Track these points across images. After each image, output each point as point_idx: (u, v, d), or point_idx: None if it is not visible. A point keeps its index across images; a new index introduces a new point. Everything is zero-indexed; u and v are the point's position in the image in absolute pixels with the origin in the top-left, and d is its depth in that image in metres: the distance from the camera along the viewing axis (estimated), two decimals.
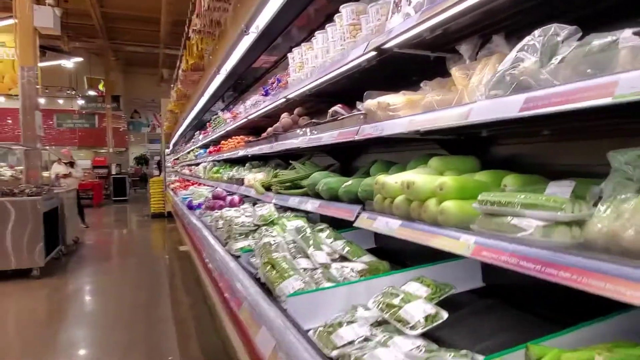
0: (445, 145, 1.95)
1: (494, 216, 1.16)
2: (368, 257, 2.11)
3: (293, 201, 2.61)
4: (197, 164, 8.59)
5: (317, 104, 3.08)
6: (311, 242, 2.18)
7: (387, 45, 1.67)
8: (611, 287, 0.78)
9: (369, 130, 1.70)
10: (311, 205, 2.31)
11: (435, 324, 1.35)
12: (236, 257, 2.65)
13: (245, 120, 4.16)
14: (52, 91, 18.87)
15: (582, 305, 1.23)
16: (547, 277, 0.90)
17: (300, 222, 2.71)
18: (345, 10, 2.08)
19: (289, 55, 2.83)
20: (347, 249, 2.17)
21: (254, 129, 4.84)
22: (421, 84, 1.72)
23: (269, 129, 3.35)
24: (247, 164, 4.75)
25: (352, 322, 1.42)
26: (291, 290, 1.77)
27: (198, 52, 4.79)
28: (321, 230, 2.41)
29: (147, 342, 3.78)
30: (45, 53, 13.62)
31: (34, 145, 6.58)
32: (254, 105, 3.95)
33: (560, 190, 1.16)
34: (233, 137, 5.38)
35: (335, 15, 2.18)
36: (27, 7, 6.40)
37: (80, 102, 19.89)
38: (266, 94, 3.64)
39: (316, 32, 2.39)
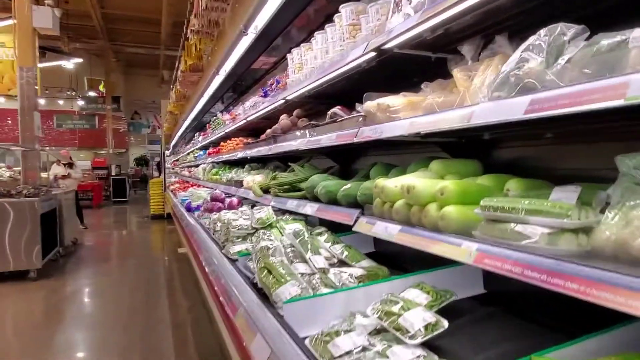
0: (446, 148, 1.91)
1: (497, 222, 1.12)
2: (367, 262, 2.07)
3: (291, 204, 2.57)
4: (197, 166, 8.56)
5: (316, 105, 3.04)
6: (309, 246, 2.13)
7: (387, 46, 1.63)
8: (622, 300, 0.74)
9: (369, 133, 1.66)
10: (309, 208, 2.27)
11: (435, 333, 1.31)
12: (233, 261, 2.61)
13: (244, 121, 4.13)
14: (52, 92, 18.87)
15: (585, 314, 1.19)
16: (553, 288, 0.86)
17: (299, 226, 2.67)
18: (344, 10, 2.05)
19: (288, 56, 2.79)
20: (345, 253, 2.13)
21: (253, 130, 4.80)
22: (422, 86, 1.68)
23: (268, 131, 3.31)
24: (246, 166, 4.70)
25: (349, 330, 1.38)
26: (288, 296, 1.72)
27: (196, 52, 4.76)
28: (320, 234, 2.37)
29: (145, 345, 3.74)
30: (45, 54, 13.61)
31: (33, 146, 6.55)
32: (252, 107, 3.91)
33: (565, 195, 1.12)
34: (232, 139, 5.34)
35: (335, 16, 2.14)
36: (26, 7, 6.37)
37: (81, 103, 19.89)
38: (265, 95, 3.60)
39: (315, 33, 2.35)
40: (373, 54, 1.73)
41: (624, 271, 0.78)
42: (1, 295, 5.31)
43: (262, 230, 2.77)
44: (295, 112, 3.11)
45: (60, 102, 19.67)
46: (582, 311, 1.17)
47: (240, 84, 5.29)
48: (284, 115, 3.19)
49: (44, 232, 5.99)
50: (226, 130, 5.22)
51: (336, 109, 2.24)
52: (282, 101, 2.90)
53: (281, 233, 2.66)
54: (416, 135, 1.45)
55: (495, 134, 1.65)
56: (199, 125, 9.48)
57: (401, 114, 1.57)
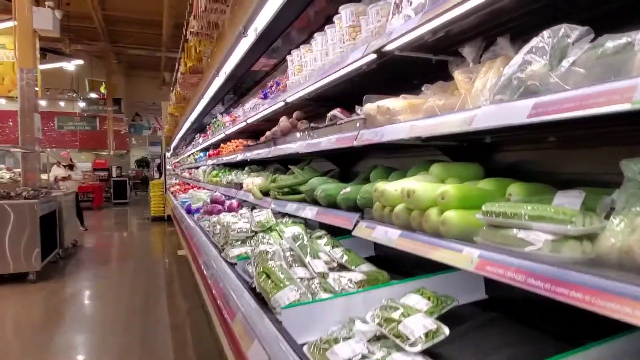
0: (447, 151, 1.89)
1: (499, 228, 1.10)
2: (367, 266, 2.05)
3: (291, 207, 2.55)
4: (197, 167, 8.55)
5: (316, 107, 3.02)
6: (308, 250, 2.11)
7: (387, 48, 1.61)
8: (629, 311, 0.71)
9: (368, 136, 1.64)
10: (309, 212, 2.25)
11: (436, 340, 1.29)
12: (232, 265, 2.58)
13: (244, 124, 4.11)
14: (54, 93, 18.89)
15: (589, 320, 1.16)
16: (557, 297, 0.83)
17: (298, 229, 2.65)
18: (344, 11, 2.03)
19: (287, 58, 2.77)
20: (345, 257, 2.10)
21: (254, 132, 4.79)
22: (422, 88, 1.66)
23: (267, 133, 3.29)
24: (246, 168, 4.69)
25: (348, 337, 1.35)
26: (286, 301, 1.70)
27: (196, 54, 4.74)
28: (319, 237, 2.35)
29: (144, 348, 3.72)
30: (46, 55, 13.62)
31: (33, 147, 6.53)
32: (252, 109, 3.89)
33: (568, 200, 1.09)
34: (232, 141, 5.32)
35: (335, 17, 2.12)
36: (26, 9, 6.36)
37: (82, 104, 19.91)
38: (265, 97, 3.58)
39: (315, 34, 2.33)
40: (373, 56, 1.70)
41: (630, 280, 0.76)
42: (0, 297, 5.29)
43: (261, 234, 2.75)
44: (295, 115, 3.09)
45: (62, 103, 19.68)
46: (585, 317, 1.15)
47: (240, 86, 5.27)
48: (284, 117, 3.17)
49: (44, 234, 5.96)
50: (226, 132, 5.20)
51: (336, 112, 2.22)
52: (282, 103, 2.88)
53: (280, 236, 2.64)
54: (417, 139, 1.42)
55: (496, 137, 1.63)
56: (200, 127, 9.46)
57: (401, 117, 1.55)
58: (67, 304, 5.16)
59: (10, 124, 16.94)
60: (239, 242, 2.90)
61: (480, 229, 1.18)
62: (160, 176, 14.95)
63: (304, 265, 2.06)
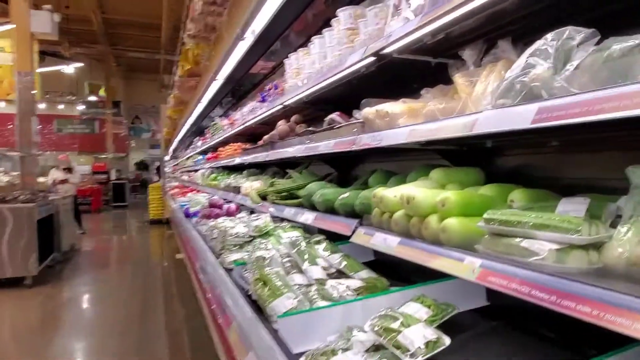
0: (446, 155, 1.86)
1: (501, 237, 1.06)
2: (366, 273, 2.00)
3: (289, 212, 2.51)
4: (196, 170, 8.51)
5: (314, 111, 2.99)
6: (306, 256, 2.07)
7: (386, 51, 1.58)
8: None
9: (367, 140, 1.60)
10: (307, 217, 2.21)
11: (436, 351, 1.25)
12: (229, 270, 2.54)
13: (242, 127, 4.08)
14: (53, 96, 18.86)
15: (593, 329, 1.12)
16: (564, 311, 0.80)
17: (296, 234, 2.61)
18: (342, 14, 2.00)
19: (285, 61, 2.74)
20: (344, 263, 2.06)
21: (252, 135, 4.75)
22: (422, 92, 1.62)
23: (265, 137, 3.26)
24: (244, 172, 4.65)
25: (347, 349, 1.31)
26: (283, 310, 1.66)
27: (194, 57, 4.71)
28: (318, 242, 2.31)
29: (141, 353, 3.67)
30: (45, 58, 13.59)
31: (30, 151, 6.49)
32: (251, 112, 3.86)
33: (573, 207, 1.06)
34: (231, 144, 5.29)
35: (333, 20, 2.09)
36: (24, 12, 6.34)
37: (81, 107, 19.88)
38: (263, 100, 3.55)
39: (313, 37, 2.30)
40: (372, 58, 1.67)
41: None
42: None
43: (259, 239, 2.71)
44: (293, 118, 3.06)
45: (61, 106, 19.66)
46: (590, 326, 1.11)
47: (238, 89, 5.25)
48: (282, 120, 3.14)
49: (41, 237, 5.91)
50: (225, 135, 5.17)
51: (334, 115, 2.19)
52: (280, 106, 2.85)
53: (278, 241, 2.60)
54: (416, 143, 1.39)
55: (497, 141, 1.59)
56: (198, 130, 9.44)
57: (401, 121, 1.52)
58: (64, 309, 5.11)
59: (10, 127, 16.89)
60: (236, 247, 2.86)
61: (482, 237, 1.14)
62: (160, 179, 14.92)
63: (301, 271, 2.02)
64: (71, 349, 3.98)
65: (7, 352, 3.92)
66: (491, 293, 1.77)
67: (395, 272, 2.11)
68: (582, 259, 0.93)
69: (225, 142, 5.65)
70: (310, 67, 2.38)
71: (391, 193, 1.52)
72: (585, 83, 0.88)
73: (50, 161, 10.65)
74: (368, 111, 1.69)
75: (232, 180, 4.66)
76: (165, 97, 13.13)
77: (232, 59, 3.55)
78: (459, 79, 1.39)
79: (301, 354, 1.41)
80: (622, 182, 1.30)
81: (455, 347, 1.33)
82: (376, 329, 1.38)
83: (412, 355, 1.23)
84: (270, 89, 3.44)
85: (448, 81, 1.51)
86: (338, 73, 1.94)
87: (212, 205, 4.79)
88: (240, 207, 4.25)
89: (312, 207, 2.26)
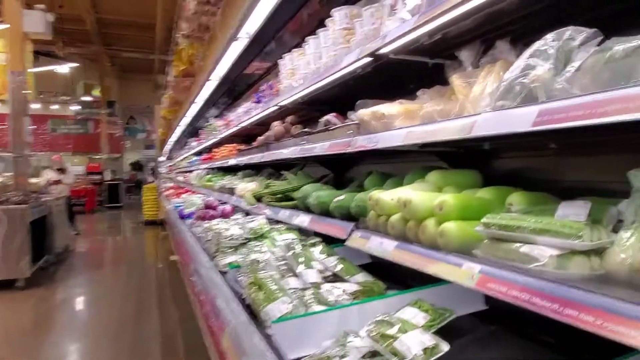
0: (443, 157, 1.83)
1: (501, 242, 1.04)
2: (362, 276, 1.98)
3: (284, 214, 2.48)
4: (191, 171, 8.45)
5: (310, 112, 2.96)
6: (301, 259, 2.04)
7: (382, 51, 1.56)
8: None
9: (363, 142, 1.58)
10: (302, 219, 2.18)
11: (434, 357, 1.23)
12: (223, 274, 2.51)
13: (237, 128, 4.04)
14: (47, 96, 18.71)
15: (592, 335, 1.10)
16: (565, 320, 0.77)
17: (292, 236, 2.58)
18: (338, 14, 1.97)
19: (279, 62, 2.71)
20: (340, 266, 2.04)
21: (247, 136, 4.72)
22: (419, 93, 1.60)
23: (260, 138, 3.23)
24: (239, 173, 4.61)
25: (343, 356, 1.28)
26: (277, 315, 1.63)
27: (188, 57, 4.67)
28: (314, 244, 2.28)
29: (134, 357, 3.63)
30: (38, 58, 13.47)
31: (22, 151, 6.42)
32: (245, 113, 3.83)
33: (573, 211, 1.03)
34: (225, 145, 5.25)
35: (328, 20, 2.07)
36: (17, 11, 6.27)
37: (75, 107, 19.75)
38: (258, 101, 3.52)
39: (308, 38, 2.27)
40: (368, 59, 1.65)
41: None
42: None
43: (253, 242, 2.68)
44: (288, 119, 3.03)
45: (55, 106, 19.52)
46: (590, 332, 1.09)
47: (233, 89, 5.21)
48: (277, 122, 3.11)
49: (34, 239, 5.85)
50: (219, 136, 5.13)
51: (330, 117, 2.16)
52: (275, 107, 2.82)
53: (274, 244, 2.57)
54: (413, 145, 1.36)
55: (495, 143, 1.57)
56: (193, 131, 9.38)
57: (397, 123, 1.49)
58: (56, 311, 5.06)
59: (3, 127, 16.76)
60: (231, 250, 2.83)
61: (480, 242, 1.12)
62: (154, 180, 14.84)
63: (297, 275, 1.99)
64: (63, 352, 3.92)
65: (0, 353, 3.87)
66: (489, 297, 1.75)
67: (392, 275, 2.09)
68: (584, 265, 0.90)
69: (219, 143, 5.61)
70: (305, 68, 2.35)
71: (387, 196, 1.49)
72: (586, 85, 0.86)
73: (43, 162, 10.53)
74: (364, 112, 1.67)
75: (227, 181, 4.62)
76: (160, 98, 13.07)
77: (226, 59, 3.51)
78: (456, 80, 1.36)
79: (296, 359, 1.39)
80: (622, 185, 1.28)
81: (454, 353, 1.30)
82: (373, 334, 1.35)
83: None
84: (265, 90, 3.41)
85: (445, 82, 1.49)
86: (333, 74, 1.91)
87: (207, 206, 4.74)
88: (235, 209, 4.21)
89: (308, 210, 2.24)
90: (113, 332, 4.22)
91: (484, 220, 1.07)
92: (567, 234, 0.91)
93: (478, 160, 1.71)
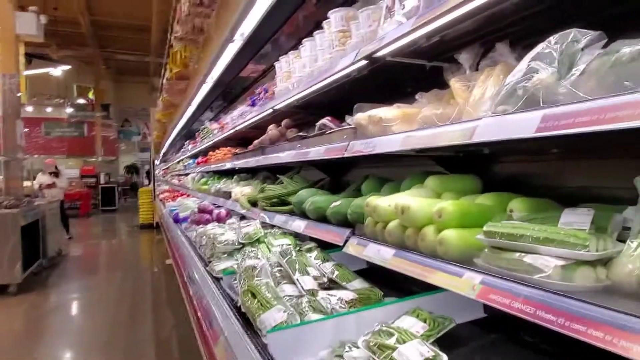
0: (441, 162, 1.80)
1: (502, 251, 1.00)
2: (359, 283, 1.94)
3: (279, 219, 2.44)
4: (186, 174, 8.38)
5: (306, 115, 2.92)
6: (297, 266, 2.00)
7: (379, 54, 1.52)
8: None
9: (359, 147, 1.54)
10: (298, 225, 2.14)
11: None
12: (218, 280, 2.46)
13: (232, 131, 3.99)
14: (41, 99, 18.59)
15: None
16: (573, 334, 0.74)
17: (287, 241, 2.54)
18: (334, 16, 1.93)
19: (275, 64, 2.67)
20: (336, 272, 2.00)
21: (243, 139, 4.67)
22: (416, 96, 1.56)
23: (255, 142, 3.19)
24: (235, 176, 4.56)
25: None
26: (273, 323, 1.59)
27: (182, 60, 4.62)
28: (309, 250, 2.24)
29: None
30: (32, 61, 13.38)
31: (14, 155, 6.35)
32: (241, 116, 3.78)
33: (577, 219, 1.00)
34: (221, 148, 5.20)
35: (324, 22, 2.03)
36: (9, 13, 6.21)
37: (69, 110, 19.62)
38: (253, 104, 3.48)
39: (303, 40, 2.24)
40: (364, 62, 1.61)
41: None
42: None
43: (248, 247, 2.63)
44: (283, 122, 2.98)
45: (49, 109, 19.39)
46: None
47: (229, 92, 5.16)
48: (272, 125, 3.07)
49: (26, 244, 5.77)
50: (215, 140, 5.08)
51: (325, 120, 2.12)
52: (270, 111, 2.78)
53: (269, 249, 2.53)
54: (411, 150, 1.33)
55: (495, 148, 1.54)
56: (189, 134, 9.32)
57: (395, 127, 1.46)
58: (49, 317, 4.98)
59: None
60: (226, 255, 2.78)
61: (481, 250, 1.08)
62: (150, 183, 14.74)
63: (292, 282, 1.95)
64: (56, 359, 3.85)
65: None
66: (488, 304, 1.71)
67: (389, 280, 2.05)
68: (590, 276, 0.87)
69: (215, 146, 5.56)
70: (300, 71, 2.32)
71: (385, 202, 1.46)
72: (592, 89, 0.82)
73: (37, 165, 10.44)
74: (360, 116, 1.63)
75: (222, 185, 4.57)
76: (156, 100, 12.99)
77: (221, 62, 3.47)
78: (455, 83, 1.33)
79: None
80: (625, 191, 1.25)
81: None
82: (370, 345, 1.31)
83: None
84: (260, 93, 3.37)
85: (443, 85, 1.46)
86: (329, 77, 1.87)
87: (202, 210, 4.69)
88: (230, 213, 4.16)
89: (303, 215, 2.20)
90: (106, 339, 4.16)
91: (485, 228, 1.04)
92: (573, 244, 0.88)
93: (477, 165, 1.68)
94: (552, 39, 0.92)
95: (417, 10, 1.36)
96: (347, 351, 1.38)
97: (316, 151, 1.93)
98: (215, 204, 4.68)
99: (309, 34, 2.25)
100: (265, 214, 2.72)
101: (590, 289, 0.85)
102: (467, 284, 1.01)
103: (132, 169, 22.84)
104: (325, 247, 2.19)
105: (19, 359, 3.74)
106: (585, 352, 1.23)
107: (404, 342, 1.27)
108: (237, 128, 3.74)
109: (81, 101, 19.74)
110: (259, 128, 3.49)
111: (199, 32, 3.69)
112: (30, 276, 6.06)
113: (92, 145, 20.08)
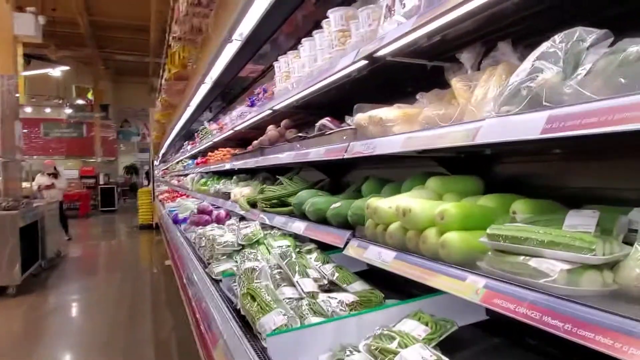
0: (443, 163, 1.78)
1: (506, 254, 0.98)
2: (359, 285, 1.92)
3: (279, 221, 2.42)
4: (186, 175, 8.36)
5: (305, 115, 2.90)
6: (297, 268, 1.98)
7: (379, 53, 1.50)
8: None
9: (360, 148, 1.52)
10: (298, 226, 2.12)
11: None
12: (217, 282, 2.44)
13: (231, 132, 3.97)
14: (40, 100, 18.56)
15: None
16: (580, 341, 0.72)
17: (287, 242, 2.52)
18: (333, 15, 1.91)
19: (274, 64, 2.65)
20: (336, 274, 1.98)
21: (242, 140, 4.65)
22: (417, 96, 1.54)
23: (255, 142, 3.17)
24: (234, 177, 4.54)
25: None
26: (272, 327, 1.57)
27: (180, 60, 4.60)
28: (309, 251, 2.23)
29: None
30: (30, 61, 13.35)
31: (13, 156, 6.32)
32: (240, 117, 3.76)
33: (582, 222, 0.98)
34: (220, 149, 5.18)
35: (323, 21, 2.01)
36: (7, 14, 6.18)
37: (68, 111, 19.59)
38: (252, 104, 3.46)
39: (303, 40, 2.22)
40: (364, 62, 1.59)
41: None
42: None
43: (248, 249, 2.62)
44: (282, 123, 2.96)
45: (48, 110, 19.36)
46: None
47: (228, 92, 5.14)
48: (271, 125, 3.05)
49: (25, 245, 5.75)
50: (214, 140, 5.06)
51: (325, 121, 2.10)
52: (269, 111, 2.76)
53: (268, 251, 2.51)
54: (412, 151, 1.31)
55: (497, 148, 1.52)
56: (188, 134, 9.30)
57: (395, 128, 1.44)
58: (48, 319, 4.96)
59: None
60: (225, 257, 2.77)
61: (484, 253, 1.06)
62: (149, 183, 14.71)
63: (292, 284, 1.93)
64: None
65: None
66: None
67: (390, 281, 2.03)
68: (596, 280, 0.85)
69: (214, 147, 5.54)
70: (300, 71, 2.30)
71: (385, 204, 1.44)
72: (598, 89, 0.80)
73: (35, 166, 10.42)
74: (361, 117, 1.61)
75: (221, 185, 4.55)
76: (155, 101, 12.96)
77: (220, 62, 3.45)
78: (456, 83, 1.31)
79: None
80: (630, 192, 1.23)
81: None
82: (372, 349, 1.30)
83: None
84: (259, 93, 3.35)
85: (443, 84, 1.44)
86: (329, 77, 1.85)
87: (201, 211, 4.67)
88: (230, 214, 4.14)
89: (303, 216, 2.18)
90: (105, 340, 4.14)
91: (489, 231, 1.02)
92: (579, 247, 0.86)
93: (479, 166, 1.66)
94: (557, 37, 0.90)
95: (417, 9, 1.34)
96: (348, 355, 1.37)
97: (316, 152, 1.91)
98: (214, 205, 4.66)
99: (308, 33, 2.23)
100: (265, 215, 2.70)
101: (597, 293, 0.83)
102: (470, 287, 0.99)
103: (132, 170, 22.81)
104: (325, 247, 2.17)
105: None
106: (591, 356, 1.21)
107: (406, 346, 1.26)
108: (236, 128, 3.72)
109: (80, 102, 19.70)
110: (258, 128, 3.47)
111: (198, 32, 3.67)
112: (29, 277, 6.04)
113: (91, 146, 20.05)
